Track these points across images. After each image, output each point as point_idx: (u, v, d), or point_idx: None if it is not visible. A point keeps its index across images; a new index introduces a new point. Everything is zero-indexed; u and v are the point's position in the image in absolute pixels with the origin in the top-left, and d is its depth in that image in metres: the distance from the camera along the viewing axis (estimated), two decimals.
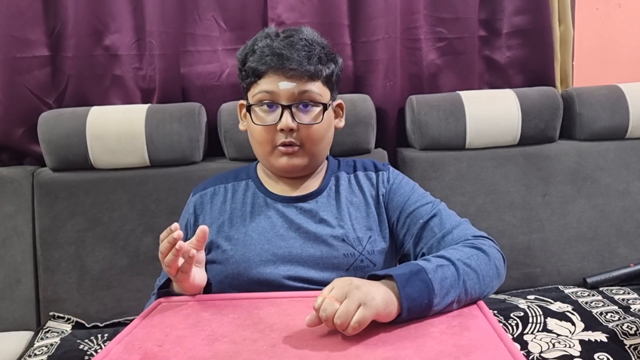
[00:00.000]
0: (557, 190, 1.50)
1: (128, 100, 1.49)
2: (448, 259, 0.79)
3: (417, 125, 1.49)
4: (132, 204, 1.38)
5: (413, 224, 0.96)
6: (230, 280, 0.96)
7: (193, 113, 1.40)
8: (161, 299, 0.86)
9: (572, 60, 1.66)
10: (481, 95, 1.51)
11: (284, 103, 0.94)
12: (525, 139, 1.51)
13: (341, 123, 1.06)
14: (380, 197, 1.02)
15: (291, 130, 0.94)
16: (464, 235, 0.90)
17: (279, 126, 0.94)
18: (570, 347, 1.10)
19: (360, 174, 1.06)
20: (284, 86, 0.93)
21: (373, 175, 1.05)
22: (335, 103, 1.04)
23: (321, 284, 0.94)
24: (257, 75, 0.95)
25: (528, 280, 1.47)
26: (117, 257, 1.38)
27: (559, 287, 1.45)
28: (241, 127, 1.06)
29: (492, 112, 1.48)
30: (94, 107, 1.42)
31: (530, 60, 1.60)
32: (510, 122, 1.49)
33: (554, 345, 1.11)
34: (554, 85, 1.61)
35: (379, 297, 0.69)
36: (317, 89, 0.96)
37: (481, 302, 0.78)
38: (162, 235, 0.80)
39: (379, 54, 1.52)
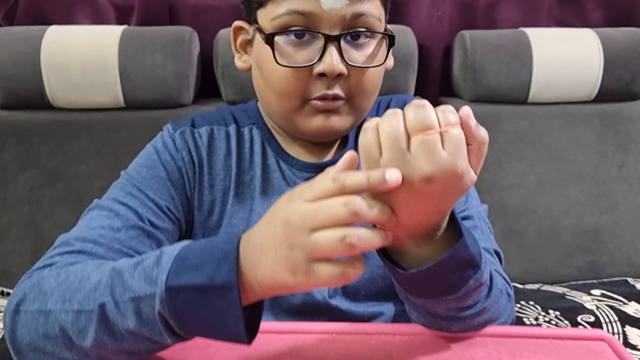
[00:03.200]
0: (638, 161, 1.31)
1: (98, 19, 1.29)
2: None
3: (470, 69, 1.25)
4: (102, 156, 1.21)
5: None
6: None
7: (182, 40, 1.21)
8: None
9: None
10: (554, 35, 1.28)
11: (329, 32, 0.62)
12: (604, 95, 1.29)
13: (390, 62, 0.74)
14: None
15: (339, 75, 0.63)
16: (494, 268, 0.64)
17: (320, 69, 0.62)
18: None
19: None
20: (331, 4, 0.59)
21: None
22: None
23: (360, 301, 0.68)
24: None
25: (592, 270, 1.29)
26: None
27: (628, 280, 1.27)
28: (240, 63, 0.72)
29: (567, 57, 1.26)
30: (53, 26, 1.21)
31: None
32: (588, 72, 1.26)
33: None
34: None
35: None
36: (376, 10, 0.64)
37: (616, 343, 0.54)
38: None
39: None
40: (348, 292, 0.69)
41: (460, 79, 1.29)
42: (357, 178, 0.41)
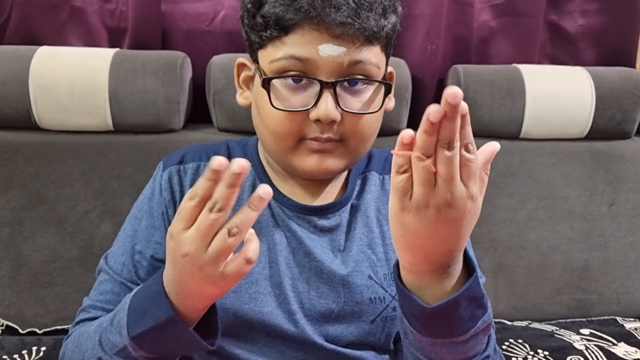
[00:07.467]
0: (628, 200, 1.29)
1: (90, 41, 1.26)
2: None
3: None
4: (88, 179, 1.17)
5: None
6: None
7: (174, 65, 1.17)
8: None
9: None
10: (547, 72, 1.26)
11: (325, 79, 0.62)
12: (596, 133, 1.27)
13: (391, 103, 0.74)
14: None
15: (332, 121, 0.62)
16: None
17: (315, 115, 0.62)
18: None
19: None
20: (328, 51, 0.60)
21: None
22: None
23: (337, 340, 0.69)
24: (282, 28, 0.61)
25: (581, 308, 1.28)
26: (64, 247, 1.16)
27: (617, 319, 1.27)
28: (241, 99, 0.72)
29: (560, 94, 1.24)
30: (43, 47, 1.18)
31: (608, 32, 1.33)
32: (580, 110, 1.24)
33: None
34: (633, 66, 1.35)
35: None
36: (375, 57, 0.64)
37: None
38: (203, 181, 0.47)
39: (421, 7, 1.26)
40: (330, 340, 0.69)
41: None
42: (200, 182, 0.47)
